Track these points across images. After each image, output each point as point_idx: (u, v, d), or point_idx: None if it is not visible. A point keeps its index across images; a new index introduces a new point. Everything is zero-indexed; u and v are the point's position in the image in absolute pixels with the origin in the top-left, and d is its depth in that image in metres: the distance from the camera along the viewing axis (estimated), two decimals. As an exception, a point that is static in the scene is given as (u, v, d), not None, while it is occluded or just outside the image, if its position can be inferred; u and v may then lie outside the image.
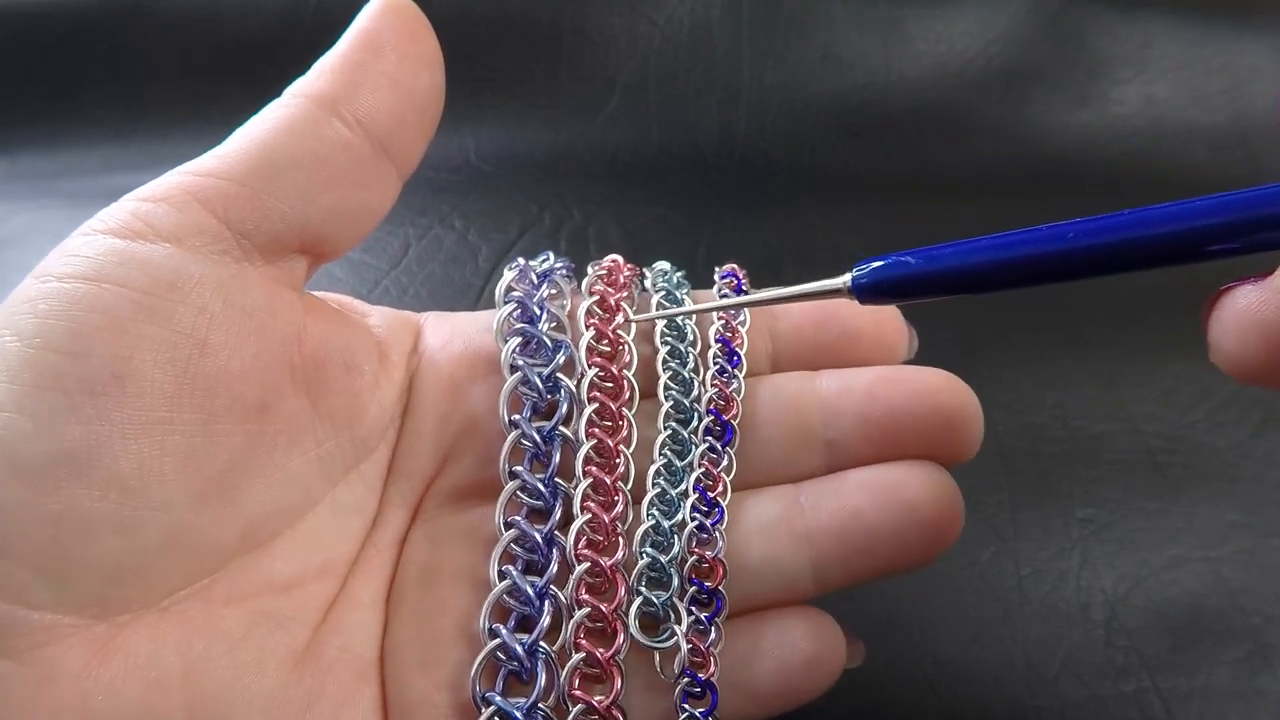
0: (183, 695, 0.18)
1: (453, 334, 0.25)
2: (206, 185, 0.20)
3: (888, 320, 0.25)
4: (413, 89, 0.22)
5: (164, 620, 0.19)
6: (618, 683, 0.21)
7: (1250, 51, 0.49)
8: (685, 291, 0.26)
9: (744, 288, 0.27)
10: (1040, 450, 0.36)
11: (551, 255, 0.26)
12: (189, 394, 0.19)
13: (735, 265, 0.28)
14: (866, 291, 0.19)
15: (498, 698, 0.20)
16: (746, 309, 0.26)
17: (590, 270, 0.26)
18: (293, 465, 0.21)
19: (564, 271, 0.26)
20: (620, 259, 0.27)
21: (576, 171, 0.47)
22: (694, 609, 0.22)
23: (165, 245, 0.19)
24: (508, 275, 0.25)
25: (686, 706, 0.21)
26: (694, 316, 0.26)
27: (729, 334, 0.26)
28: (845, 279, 0.20)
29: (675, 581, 0.22)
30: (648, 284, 0.27)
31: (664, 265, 0.27)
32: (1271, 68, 0.49)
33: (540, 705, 0.20)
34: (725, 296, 0.26)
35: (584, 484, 0.23)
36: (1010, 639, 0.31)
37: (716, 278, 0.27)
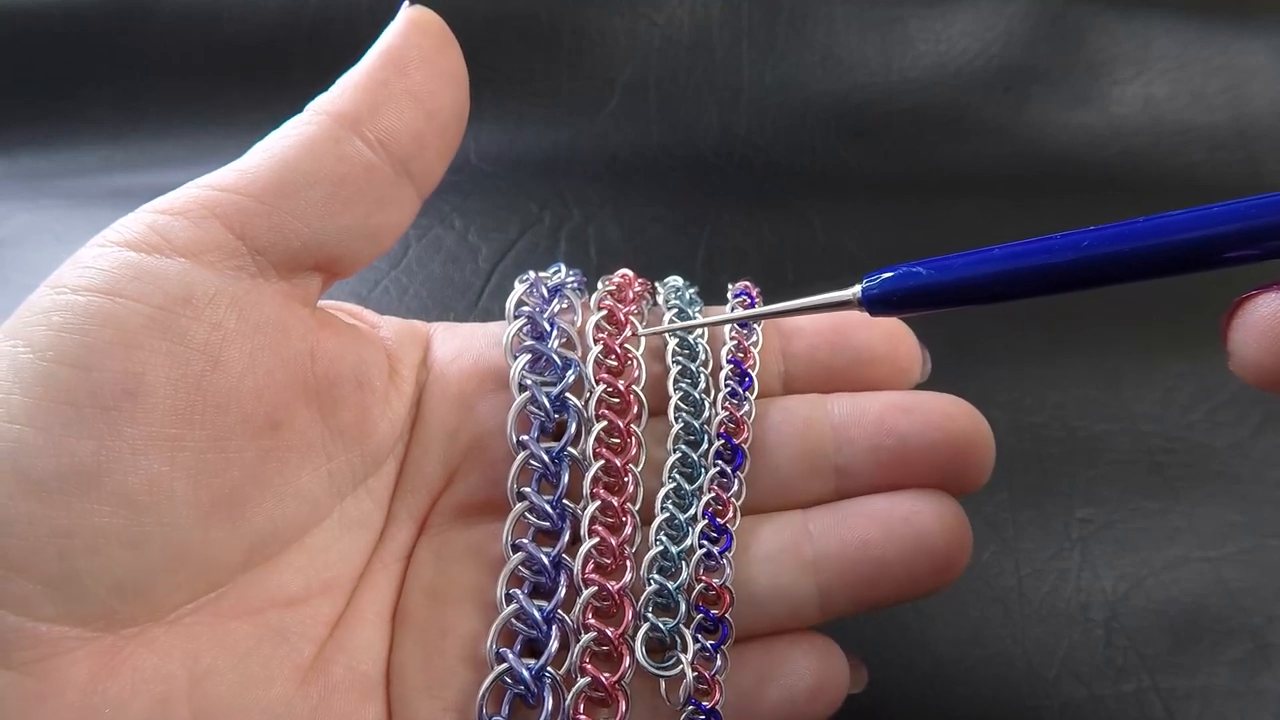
0: (189, 709, 0.18)
1: (462, 347, 0.25)
2: (225, 201, 0.20)
3: (901, 343, 0.25)
4: (436, 109, 0.21)
5: (170, 633, 0.19)
6: (622, 707, 0.21)
7: (1250, 51, 0.49)
8: (698, 309, 0.26)
9: (757, 305, 0.26)
10: (1040, 450, 0.36)
11: (563, 267, 0.26)
12: (200, 410, 0.19)
13: (749, 283, 0.27)
14: (876, 303, 0.19)
15: None
16: (759, 328, 0.26)
17: (600, 285, 0.26)
18: (302, 481, 0.21)
19: (575, 284, 0.26)
20: (630, 273, 0.26)
21: (576, 171, 0.47)
22: (700, 636, 0.22)
23: (180, 260, 0.19)
24: (518, 289, 0.25)
25: None
26: (705, 336, 0.26)
27: (741, 354, 0.25)
28: (855, 291, 0.19)
29: (682, 608, 0.22)
30: (660, 300, 0.26)
31: (676, 281, 0.27)
32: (1271, 68, 0.49)
33: None
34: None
35: (592, 507, 0.22)
36: (1010, 639, 0.31)
37: (730, 296, 0.27)
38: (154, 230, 0.19)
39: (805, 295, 0.21)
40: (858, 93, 0.49)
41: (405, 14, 0.21)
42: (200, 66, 0.49)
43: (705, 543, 0.23)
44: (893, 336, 0.25)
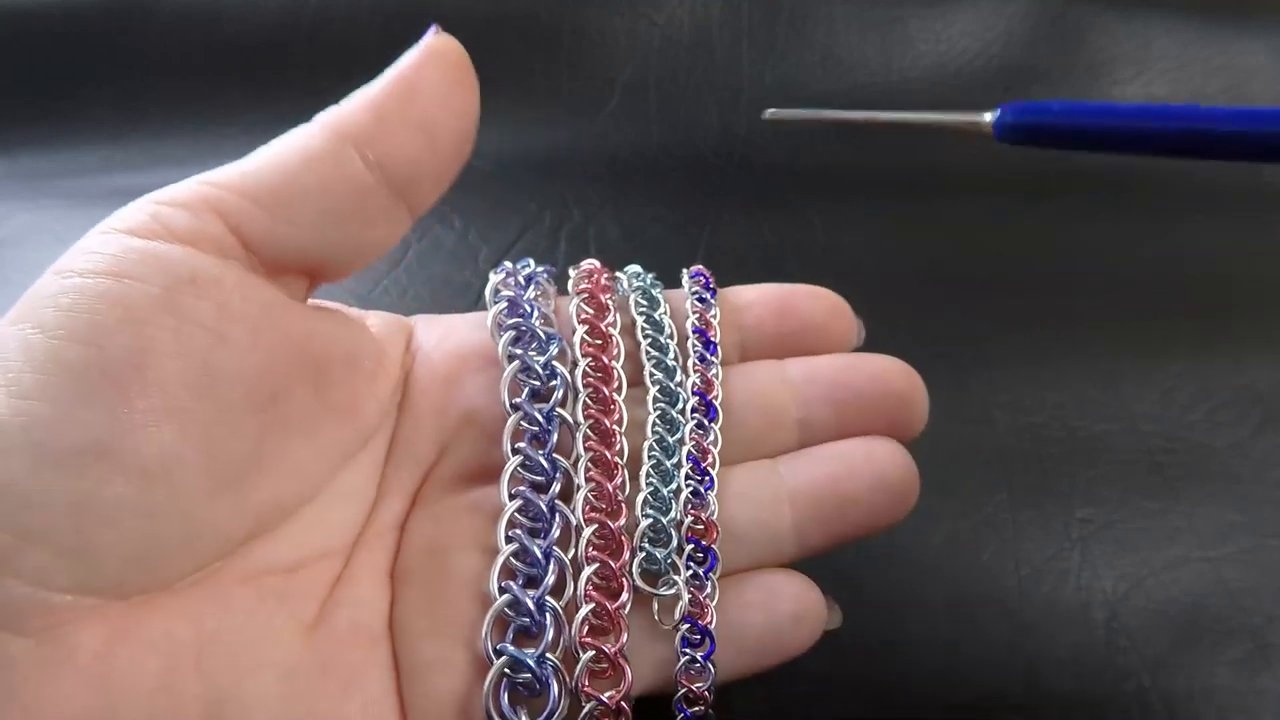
0: (198, 669, 0.19)
1: (445, 333, 0.26)
2: (224, 198, 0.20)
3: (841, 314, 0.28)
4: (438, 138, 0.22)
5: (177, 600, 0.19)
6: (624, 634, 0.22)
7: (1250, 51, 0.49)
8: (659, 290, 0.28)
9: (712, 286, 0.28)
10: (1040, 450, 0.36)
11: (531, 261, 0.28)
12: (208, 385, 0.19)
13: (701, 267, 0.29)
14: (1007, 130, 0.21)
15: (510, 647, 0.21)
16: (716, 304, 0.28)
17: (572, 272, 0.28)
18: (300, 455, 0.21)
19: (545, 275, 0.28)
20: (597, 263, 0.28)
21: (576, 171, 0.47)
22: (691, 564, 0.24)
23: (181, 246, 0.20)
24: (494, 278, 0.27)
25: (688, 651, 0.23)
26: (668, 314, 0.28)
27: (704, 325, 0.27)
28: (988, 116, 0.22)
29: (674, 540, 0.24)
30: (624, 286, 0.28)
31: (636, 268, 0.29)
32: (1271, 68, 0.49)
33: (549, 656, 0.22)
34: (696, 295, 0.28)
35: (585, 457, 0.24)
36: (1010, 639, 0.31)
37: (686, 277, 0.29)
38: (155, 219, 0.20)
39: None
40: (858, 93, 0.49)
41: (427, 40, 0.22)
42: (200, 66, 0.49)
43: (691, 482, 0.25)
44: (833, 309, 0.27)
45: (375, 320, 0.25)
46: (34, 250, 0.43)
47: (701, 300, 0.28)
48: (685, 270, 0.29)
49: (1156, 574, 0.32)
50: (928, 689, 0.30)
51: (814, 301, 0.27)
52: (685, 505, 0.24)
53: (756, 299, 0.28)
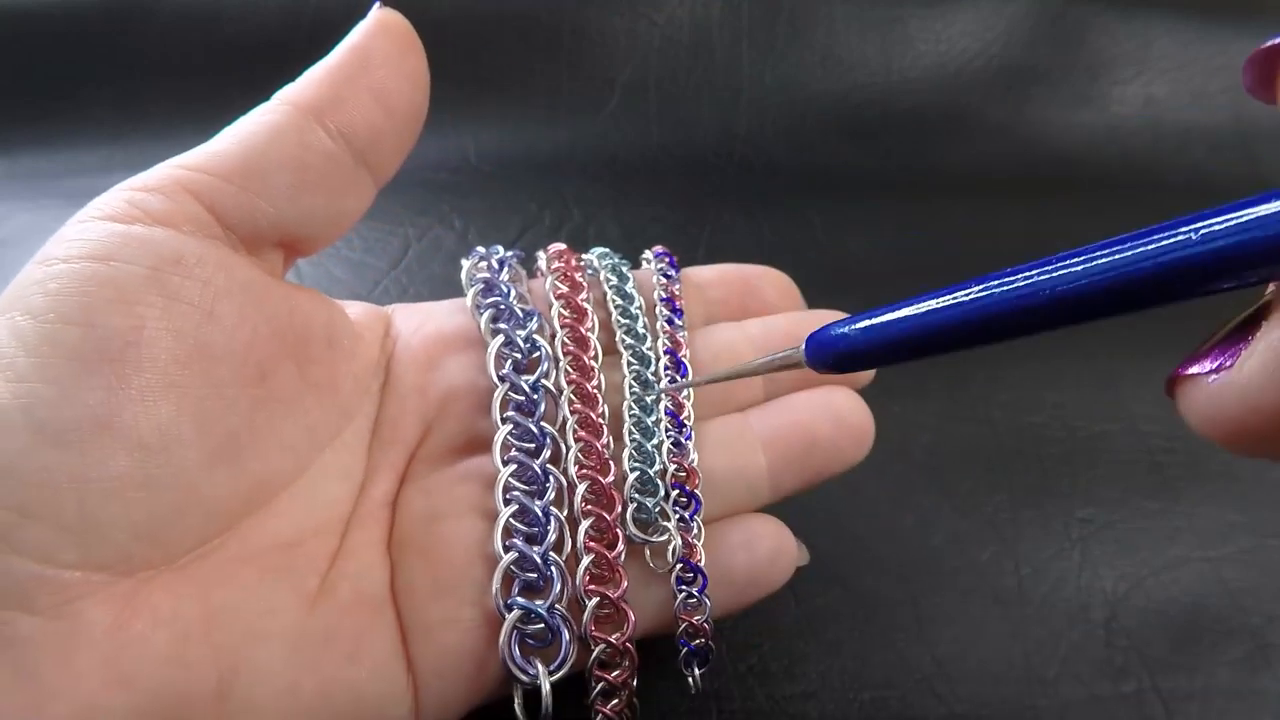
0: (207, 643, 0.19)
1: (424, 320, 0.27)
2: (197, 179, 0.21)
3: (789, 293, 0.30)
4: (394, 105, 0.23)
5: (182, 577, 0.20)
6: (624, 581, 0.23)
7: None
8: (628, 268, 0.30)
9: (675, 263, 0.30)
10: (1040, 450, 0.36)
11: (500, 248, 0.29)
12: (199, 360, 0.20)
13: (663, 247, 0.30)
14: (820, 366, 0.20)
15: (521, 599, 0.22)
16: (679, 279, 0.29)
17: (541, 255, 0.29)
18: (287, 431, 0.22)
19: (515, 259, 0.29)
20: (564, 246, 0.29)
21: (576, 171, 0.47)
22: (677, 508, 0.25)
23: (162, 229, 0.20)
24: (467, 264, 0.28)
25: (683, 588, 0.24)
26: (635, 284, 0.29)
27: (670, 296, 0.29)
28: (800, 353, 0.20)
29: (660, 490, 0.25)
30: (595, 264, 0.29)
31: (603, 249, 0.30)
32: (1271, 68, 0.49)
33: (558, 606, 0.23)
34: (662, 271, 0.29)
35: (571, 420, 0.25)
36: (1010, 639, 0.31)
37: (652, 255, 0.30)
38: (133, 204, 0.20)
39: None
40: (858, 93, 0.49)
41: (374, 15, 0.23)
42: (200, 66, 0.49)
43: (671, 433, 0.26)
44: (784, 289, 0.30)
45: (354, 310, 0.26)
46: (34, 250, 0.43)
47: (667, 276, 0.29)
48: (649, 250, 0.30)
49: (1156, 574, 0.32)
50: (927, 688, 0.30)
51: (767, 280, 0.30)
52: (667, 455, 0.26)
53: (716, 278, 0.30)
